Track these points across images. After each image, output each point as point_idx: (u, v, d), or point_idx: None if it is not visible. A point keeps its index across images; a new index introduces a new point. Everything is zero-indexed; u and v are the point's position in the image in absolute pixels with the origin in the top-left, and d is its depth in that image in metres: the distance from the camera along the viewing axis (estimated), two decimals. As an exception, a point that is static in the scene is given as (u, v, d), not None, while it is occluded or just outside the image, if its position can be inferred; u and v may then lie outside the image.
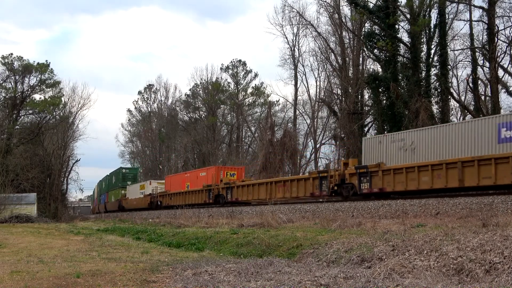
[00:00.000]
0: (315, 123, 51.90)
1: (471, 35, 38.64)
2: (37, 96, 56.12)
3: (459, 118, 41.13)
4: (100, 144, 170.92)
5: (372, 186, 22.27)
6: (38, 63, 54.53)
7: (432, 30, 36.78)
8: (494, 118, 19.44)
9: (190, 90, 74.29)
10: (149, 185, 47.23)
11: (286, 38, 66.01)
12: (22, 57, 54.45)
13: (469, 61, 39.94)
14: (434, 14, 37.43)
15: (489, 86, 37.57)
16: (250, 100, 69.49)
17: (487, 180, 17.95)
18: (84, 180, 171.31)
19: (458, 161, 18.86)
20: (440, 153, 20.48)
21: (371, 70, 42.26)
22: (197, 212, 31.35)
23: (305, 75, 57.78)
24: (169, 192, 42.66)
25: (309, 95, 55.31)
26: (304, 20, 49.52)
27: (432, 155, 20.79)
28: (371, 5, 37.39)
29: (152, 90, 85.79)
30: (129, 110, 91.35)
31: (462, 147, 19.74)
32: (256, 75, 69.34)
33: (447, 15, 37.38)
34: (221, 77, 69.66)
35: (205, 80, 70.17)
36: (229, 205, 32.28)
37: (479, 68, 38.53)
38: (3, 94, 54.71)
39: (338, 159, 39.68)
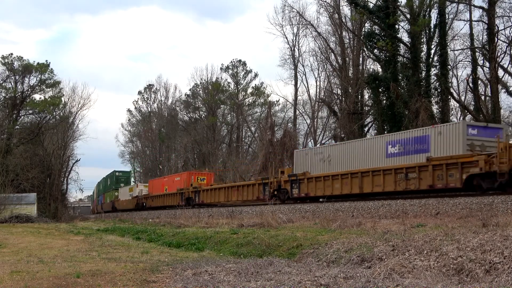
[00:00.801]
0: (315, 123, 51.89)
1: (471, 35, 38.64)
2: (37, 96, 56.26)
3: (459, 118, 41.07)
4: (100, 144, 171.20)
5: (300, 191, 26.01)
6: (38, 63, 54.57)
7: (432, 30, 36.78)
8: (383, 137, 23.62)
9: (190, 90, 74.46)
10: (137, 188, 50.73)
11: (286, 38, 65.89)
12: (22, 57, 54.55)
13: (469, 61, 39.95)
14: (434, 14, 37.52)
15: (489, 86, 37.53)
16: (250, 100, 69.49)
17: (378, 188, 21.77)
18: (84, 180, 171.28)
19: (359, 171, 22.79)
20: (348, 165, 24.24)
21: (371, 70, 42.31)
22: (197, 212, 31.42)
23: (305, 75, 57.75)
24: (152, 194, 46.19)
25: (309, 95, 55.32)
26: (304, 20, 49.59)
27: (342, 166, 24.57)
28: (371, 5, 37.41)
29: (152, 90, 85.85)
30: (129, 110, 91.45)
31: (363, 160, 23.54)
32: (256, 75, 69.46)
33: (447, 15, 37.41)
34: (221, 77, 69.79)
35: (205, 80, 70.29)
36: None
37: (479, 68, 38.53)
38: (3, 94, 54.78)
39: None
